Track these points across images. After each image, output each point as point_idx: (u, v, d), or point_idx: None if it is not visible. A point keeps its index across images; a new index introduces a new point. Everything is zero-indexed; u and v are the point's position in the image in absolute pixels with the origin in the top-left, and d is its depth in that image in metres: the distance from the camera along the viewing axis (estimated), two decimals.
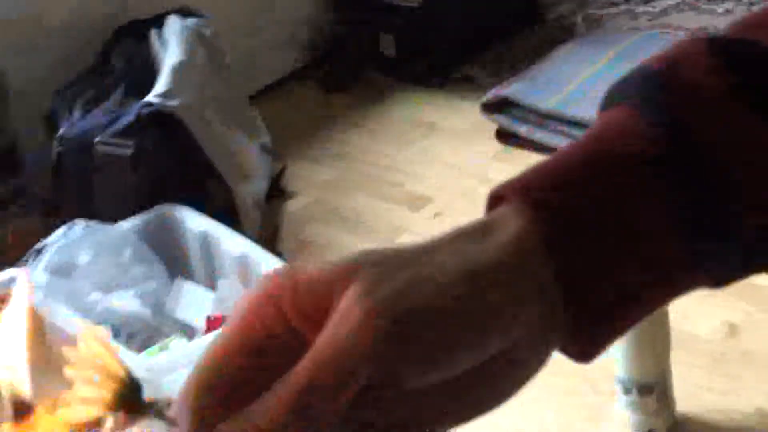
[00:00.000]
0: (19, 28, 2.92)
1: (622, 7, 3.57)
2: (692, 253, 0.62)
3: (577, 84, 3.11)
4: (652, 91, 0.64)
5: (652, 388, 2.19)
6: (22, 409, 0.71)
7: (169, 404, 0.58)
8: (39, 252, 2.37)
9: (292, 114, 3.27)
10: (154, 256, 2.47)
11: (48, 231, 2.44)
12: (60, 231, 2.40)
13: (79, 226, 2.41)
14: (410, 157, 3.08)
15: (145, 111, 2.56)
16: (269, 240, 2.72)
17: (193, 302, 2.51)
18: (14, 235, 2.66)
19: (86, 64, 2.89)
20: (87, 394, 0.57)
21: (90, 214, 2.47)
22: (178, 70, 2.67)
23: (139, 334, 2.35)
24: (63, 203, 2.67)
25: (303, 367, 0.53)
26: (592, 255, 0.59)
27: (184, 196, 2.56)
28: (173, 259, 2.55)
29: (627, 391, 2.19)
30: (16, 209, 2.85)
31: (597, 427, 2.34)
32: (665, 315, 2.14)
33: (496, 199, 0.61)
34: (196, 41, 2.80)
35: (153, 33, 2.82)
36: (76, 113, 2.70)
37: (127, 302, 2.41)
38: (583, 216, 0.59)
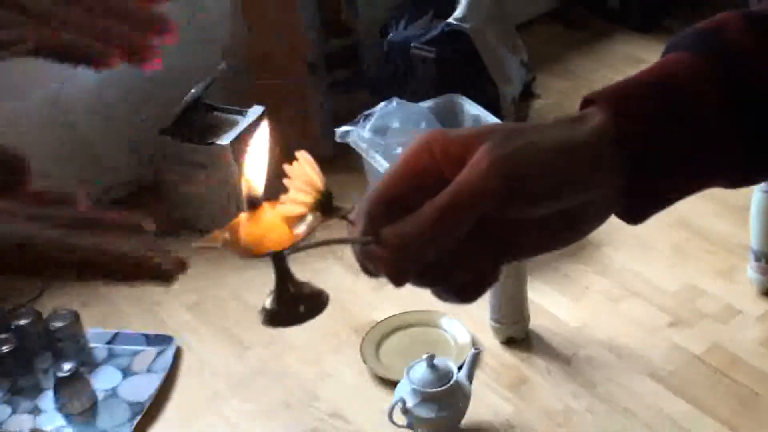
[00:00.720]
0: None
1: None
2: (744, 155, 0.73)
3: None
4: (703, 40, 0.74)
5: None
6: (254, 204, 0.70)
7: (350, 211, 0.72)
8: (367, 117, 2.84)
9: (542, 41, 3.66)
10: (439, 126, 2.80)
11: (374, 103, 2.89)
12: (382, 104, 2.85)
13: (395, 102, 2.84)
14: None
15: (446, 29, 3.04)
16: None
17: None
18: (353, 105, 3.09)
19: None
20: (297, 198, 0.70)
21: (402, 94, 2.90)
22: (472, 3, 3.08)
23: None
24: (386, 85, 3.12)
25: (445, 193, 0.66)
26: (648, 149, 0.70)
27: (466, 89, 2.97)
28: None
29: (757, 258, 2.60)
30: (352, 81, 3.36)
31: (732, 281, 2.69)
32: None
33: (587, 102, 0.73)
34: None
35: None
36: (401, 26, 3.17)
37: None
38: (640, 122, 0.70)
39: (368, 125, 2.86)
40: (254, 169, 0.72)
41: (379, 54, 3.23)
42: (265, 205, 0.72)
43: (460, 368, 2.36)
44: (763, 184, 2.52)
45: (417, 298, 2.59)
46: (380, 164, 2.77)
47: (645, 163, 0.70)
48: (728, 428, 2.32)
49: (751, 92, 0.71)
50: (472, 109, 2.95)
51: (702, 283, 2.71)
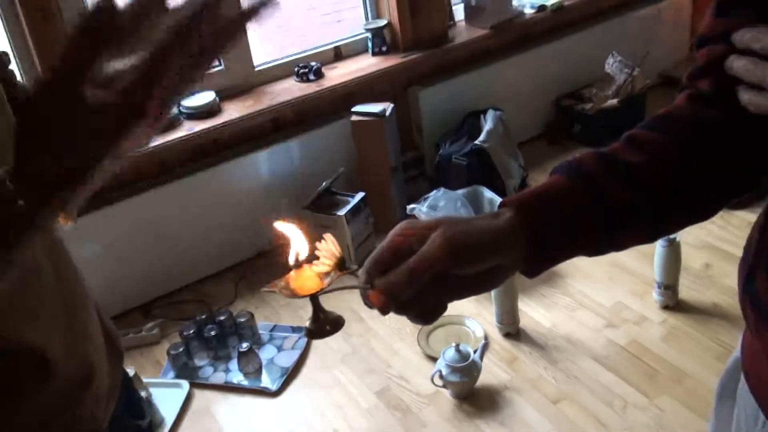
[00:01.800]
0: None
1: None
2: (606, 237, 0.73)
3: None
4: (571, 168, 0.73)
5: (670, 286, 2.54)
6: (299, 265, 0.68)
7: (357, 269, 0.70)
8: (425, 199, 2.81)
9: (533, 152, 3.50)
10: (469, 206, 2.81)
11: (430, 191, 2.86)
12: (434, 192, 2.82)
13: (442, 190, 2.83)
14: None
15: (474, 147, 3.02)
16: None
17: None
18: (417, 192, 3.05)
19: (454, 128, 3.25)
20: (324, 262, 0.71)
21: (447, 186, 2.88)
22: (490, 132, 3.06)
23: None
24: (437, 181, 3.07)
25: (414, 258, 0.65)
26: (544, 233, 0.70)
27: (485, 182, 2.94)
28: (476, 208, 2.86)
29: (659, 286, 2.56)
30: (418, 178, 3.32)
31: (643, 300, 2.62)
32: (678, 252, 2.47)
33: (502, 204, 0.71)
34: (498, 121, 3.13)
35: (482, 116, 3.17)
36: (447, 145, 3.13)
37: None
38: (541, 217, 0.70)
39: (426, 204, 2.83)
40: (299, 244, 0.73)
41: (435, 161, 3.19)
42: (305, 266, 0.73)
43: (476, 351, 2.37)
44: (662, 240, 2.49)
45: (452, 306, 2.62)
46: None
47: (538, 243, 0.70)
48: (639, 392, 2.30)
49: (599, 200, 0.72)
50: (488, 194, 2.93)
51: (625, 300, 2.67)
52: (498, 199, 2.67)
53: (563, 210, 0.71)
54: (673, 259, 2.52)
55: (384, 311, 0.68)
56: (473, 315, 2.62)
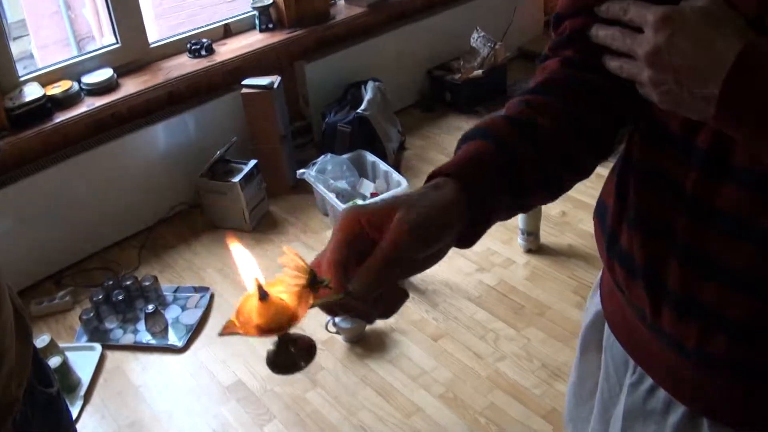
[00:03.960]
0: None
1: None
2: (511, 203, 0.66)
3: None
4: (486, 132, 0.66)
5: (532, 232, 2.62)
6: (263, 296, 0.51)
7: (330, 281, 0.58)
8: (313, 164, 2.83)
9: (410, 118, 3.53)
10: (354, 169, 2.87)
11: (318, 156, 2.89)
12: (321, 157, 2.85)
13: (328, 155, 2.86)
14: (453, 142, 3.47)
15: (356, 115, 3.01)
16: (396, 166, 3.02)
17: (366, 187, 2.85)
18: (306, 157, 3.02)
19: (337, 98, 3.23)
20: (289, 281, 0.57)
21: (332, 151, 2.92)
22: (371, 101, 3.07)
23: (345, 196, 2.72)
24: (324, 147, 3.05)
25: (383, 249, 0.56)
26: (481, 200, 0.62)
27: (367, 147, 2.95)
28: (361, 170, 2.91)
29: (522, 233, 2.63)
30: (306, 144, 3.25)
31: (510, 245, 2.67)
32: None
33: (434, 174, 0.63)
34: (377, 91, 3.13)
35: (362, 87, 3.17)
36: (332, 113, 3.11)
37: (343, 185, 2.78)
38: (477, 184, 0.62)
39: (314, 168, 2.85)
40: (254, 274, 0.58)
41: (321, 129, 3.15)
42: (271, 293, 0.58)
43: None
44: None
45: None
46: (321, 189, 2.77)
47: (476, 211, 0.63)
48: (509, 325, 2.37)
49: (515, 163, 0.66)
50: (370, 157, 2.94)
51: (494, 247, 2.72)
52: (379, 162, 2.79)
53: (492, 175, 0.65)
54: (535, 209, 2.58)
55: (368, 319, 0.61)
56: None
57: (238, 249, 0.60)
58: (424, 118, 3.55)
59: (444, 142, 3.37)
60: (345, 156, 2.89)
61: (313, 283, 0.58)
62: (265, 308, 0.58)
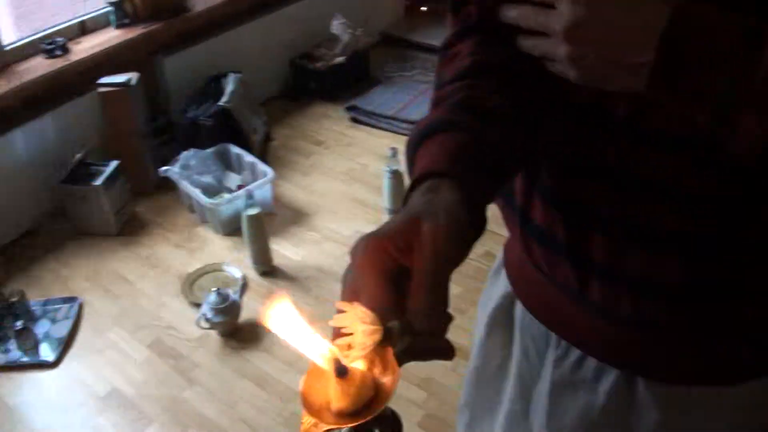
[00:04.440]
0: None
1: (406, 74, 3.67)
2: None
3: (400, 107, 3.35)
4: (451, 125, 0.61)
5: (398, 210, 2.85)
6: (342, 372, 0.42)
7: (398, 328, 0.47)
8: (177, 160, 2.76)
9: (276, 109, 3.46)
10: (218, 163, 2.84)
11: (180, 152, 2.80)
12: (184, 153, 2.79)
13: (192, 151, 2.80)
14: (319, 130, 3.35)
15: (218, 108, 2.94)
16: (263, 158, 2.96)
17: (232, 181, 2.82)
18: (168, 154, 2.92)
19: (199, 92, 3.12)
20: (360, 343, 0.46)
21: (195, 146, 2.83)
22: (232, 93, 2.99)
23: (210, 191, 2.68)
24: (186, 143, 2.90)
25: (425, 267, 0.49)
26: (476, 192, 0.57)
27: (231, 139, 2.90)
28: (226, 164, 2.88)
29: (389, 212, 2.65)
30: (169, 141, 3.09)
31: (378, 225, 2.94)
32: (401, 180, 2.56)
33: (423, 176, 0.56)
34: (239, 83, 3.05)
35: (223, 79, 3.09)
36: (193, 108, 3.00)
37: (208, 179, 2.74)
38: (469, 178, 0.56)
39: (178, 164, 2.79)
40: (322, 343, 0.47)
41: (183, 125, 3.05)
42: (351, 368, 0.47)
43: (235, 292, 2.37)
44: (387, 171, 2.59)
45: (211, 255, 2.60)
46: (185, 186, 2.73)
47: (471, 206, 0.55)
48: None
49: (485, 150, 0.62)
50: (235, 150, 2.90)
51: (363, 228, 2.61)
52: (244, 154, 2.77)
53: (480, 164, 0.60)
54: (398, 187, 2.64)
55: (451, 355, 0.52)
56: (232, 261, 2.61)
57: (279, 328, 0.47)
58: (289, 107, 3.52)
59: (310, 131, 3.36)
60: (209, 150, 2.84)
61: (386, 338, 0.47)
62: (346, 386, 0.46)
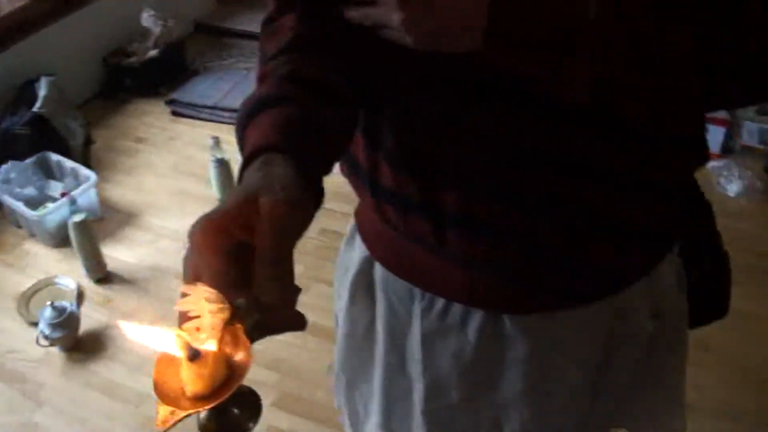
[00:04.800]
0: None
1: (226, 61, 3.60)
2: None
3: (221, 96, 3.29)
4: (278, 99, 0.59)
5: None
6: (195, 355, 0.43)
7: (244, 303, 0.47)
8: None
9: (95, 109, 3.34)
10: (39, 172, 2.73)
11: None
12: (3, 165, 2.65)
13: (10, 162, 2.66)
14: (140, 127, 3.29)
15: (33, 114, 2.80)
16: (85, 161, 2.89)
17: (55, 189, 2.70)
18: None
19: (11, 100, 2.95)
20: (208, 323, 0.45)
21: (13, 157, 2.69)
22: (46, 98, 2.86)
23: (34, 203, 2.59)
24: (4, 153, 2.73)
25: (267, 241, 0.47)
26: (309, 164, 0.55)
27: (50, 146, 2.79)
28: (47, 173, 2.77)
29: (220, 201, 2.84)
30: None
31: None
32: (229, 169, 2.57)
33: (255, 153, 0.55)
34: (52, 87, 2.92)
35: (36, 84, 2.93)
36: (6, 117, 2.86)
37: (30, 191, 2.64)
38: (302, 150, 0.55)
39: None
40: (167, 332, 0.46)
41: None
42: (203, 351, 0.46)
43: (72, 304, 2.30)
44: (214, 161, 2.63)
45: (41, 270, 2.52)
46: (8, 200, 2.62)
47: (309, 179, 0.56)
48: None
49: (313, 119, 0.61)
50: (55, 157, 2.80)
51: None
52: (65, 160, 2.69)
53: (311, 136, 0.59)
54: (226, 175, 2.68)
55: (303, 324, 0.52)
56: (64, 272, 2.52)
57: (127, 326, 0.47)
58: (108, 107, 3.40)
59: (132, 129, 3.27)
60: (28, 161, 2.73)
61: (236, 312, 0.47)
62: (199, 369, 0.45)
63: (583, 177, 0.72)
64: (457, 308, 0.85)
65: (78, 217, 2.40)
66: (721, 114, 3.16)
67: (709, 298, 0.97)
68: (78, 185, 2.69)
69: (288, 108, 0.59)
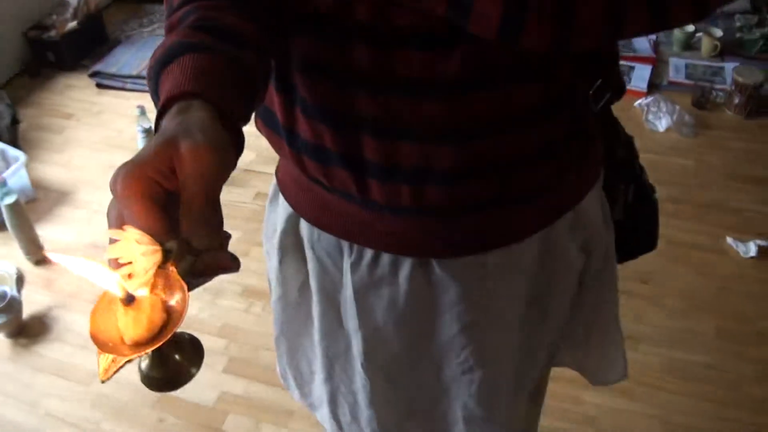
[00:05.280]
0: None
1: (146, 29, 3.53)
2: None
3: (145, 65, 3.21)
4: (192, 46, 0.56)
5: None
6: (130, 299, 0.43)
7: (176, 245, 0.45)
8: None
9: (20, 88, 3.27)
10: None
11: None
12: None
13: None
14: (66, 102, 3.20)
15: None
16: (13, 142, 2.80)
17: None
18: None
19: None
20: (140, 267, 0.44)
21: None
22: None
23: None
24: None
25: (192, 185, 0.47)
26: (228, 108, 0.53)
27: None
28: None
29: None
30: None
31: None
32: None
33: (170, 101, 0.53)
34: None
35: None
36: None
37: None
38: (218, 95, 0.54)
39: None
40: (103, 273, 0.45)
41: None
42: (138, 295, 0.45)
43: (12, 289, 2.25)
44: (139, 128, 2.56)
45: None
46: None
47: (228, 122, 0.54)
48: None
49: (237, 64, 0.58)
50: None
51: None
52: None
53: (226, 80, 0.56)
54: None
55: (237, 265, 0.50)
56: (1, 257, 2.45)
57: (60, 258, 0.46)
58: (32, 85, 3.30)
59: (57, 105, 3.18)
60: None
61: (168, 255, 0.45)
62: (135, 314, 0.44)
63: (499, 109, 0.70)
64: (386, 258, 0.85)
65: (10, 200, 2.34)
66: (647, 52, 3.23)
67: (636, 231, 0.98)
68: (7, 167, 2.61)
69: (199, 55, 0.57)
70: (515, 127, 0.72)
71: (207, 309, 2.20)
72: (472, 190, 0.76)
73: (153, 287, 0.46)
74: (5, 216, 2.36)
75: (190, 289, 0.47)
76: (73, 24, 3.30)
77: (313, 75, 0.72)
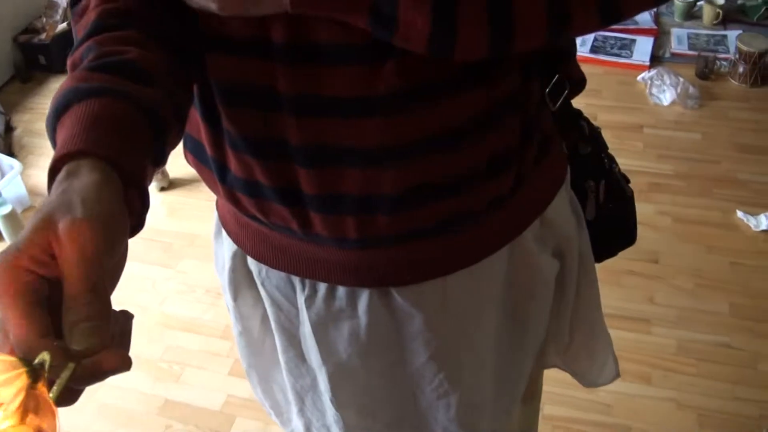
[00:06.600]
0: None
1: None
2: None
3: None
4: (90, 91, 0.52)
5: (162, 170, 2.65)
6: None
7: (48, 361, 0.40)
8: None
9: (9, 95, 3.22)
10: None
11: None
12: None
13: None
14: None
15: None
16: (8, 150, 2.80)
17: None
18: None
19: None
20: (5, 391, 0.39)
21: None
22: None
23: None
24: None
25: (72, 273, 0.41)
26: (127, 162, 0.48)
27: None
28: None
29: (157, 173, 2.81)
30: None
31: None
32: None
33: (59, 161, 0.48)
34: None
35: None
36: None
37: None
38: (114, 149, 0.48)
39: None
40: None
41: None
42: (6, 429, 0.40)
43: None
44: None
45: None
46: None
47: (130, 183, 0.50)
48: (163, 267, 2.32)
49: (139, 105, 0.53)
50: None
51: None
52: None
53: (126, 129, 0.51)
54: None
55: (127, 365, 0.44)
56: None
57: None
58: (25, 90, 3.26)
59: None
60: None
61: (37, 373, 0.39)
62: None
63: (443, 123, 0.65)
64: (341, 291, 0.79)
65: (5, 210, 2.31)
66: (648, 23, 3.15)
67: (612, 230, 0.92)
68: (2, 176, 2.57)
69: (96, 100, 0.51)
70: (463, 140, 0.66)
71: (209, 311, 2.17)
72: (422, 215, 0.69)
73: (24, 414, 0.40)
74: (1, 226, 2.33)
75: (70, 400, 0.43)
76: (63, 26, 3.25)
77: (234, 102, 0.65)
